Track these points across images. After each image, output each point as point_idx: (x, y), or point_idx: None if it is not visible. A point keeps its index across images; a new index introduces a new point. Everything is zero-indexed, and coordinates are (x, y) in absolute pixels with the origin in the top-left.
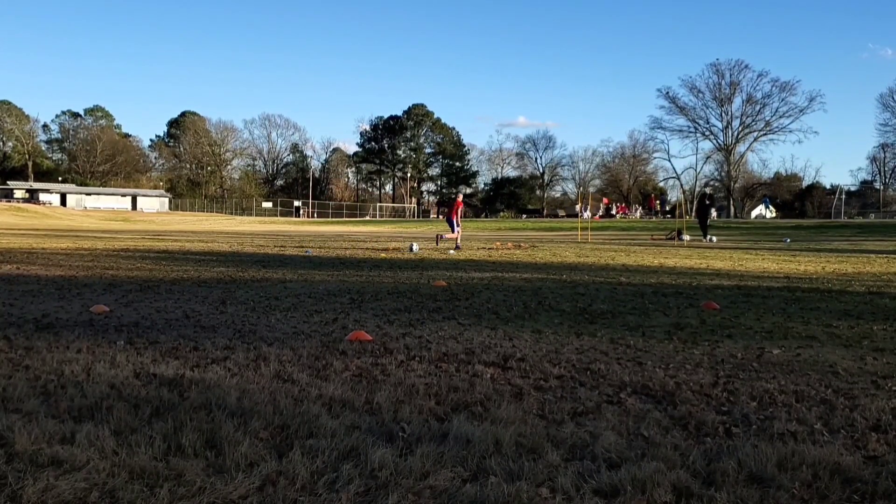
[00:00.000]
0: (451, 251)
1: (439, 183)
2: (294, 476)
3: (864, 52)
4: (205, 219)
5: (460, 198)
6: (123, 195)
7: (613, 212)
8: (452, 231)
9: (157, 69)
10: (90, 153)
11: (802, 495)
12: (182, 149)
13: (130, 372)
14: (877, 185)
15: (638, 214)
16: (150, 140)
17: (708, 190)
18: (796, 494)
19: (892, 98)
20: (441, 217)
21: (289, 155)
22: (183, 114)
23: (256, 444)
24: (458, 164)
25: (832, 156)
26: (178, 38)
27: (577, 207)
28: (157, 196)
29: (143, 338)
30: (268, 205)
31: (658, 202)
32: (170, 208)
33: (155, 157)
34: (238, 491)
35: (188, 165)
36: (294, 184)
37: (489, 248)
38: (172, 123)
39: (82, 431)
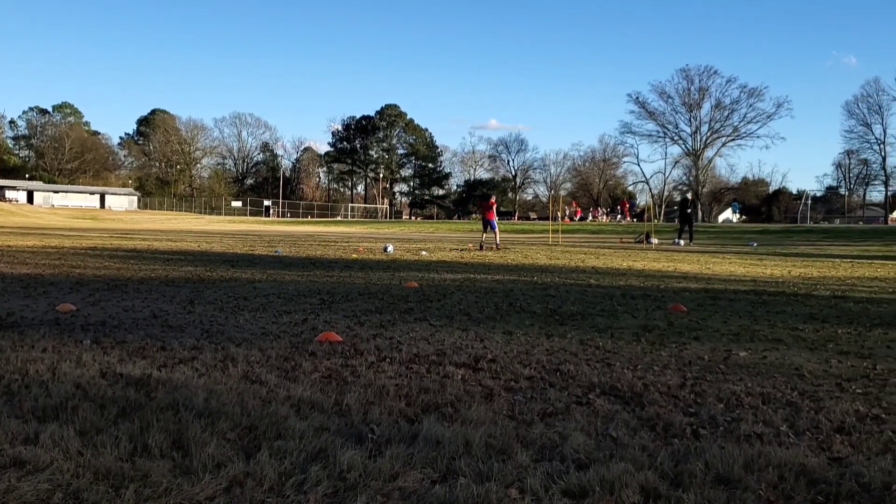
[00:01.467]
0: (489, 252)
1: (412, 184)
2: (261, 477)
3: (828, 59)
4: (174, 217)
5: (494, 198)
6: (92, 193)
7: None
8: (494, 230)
9: (127, 67)
10: (58, 150)
11: (768, 496)
12: (151, 147)
13: (97, 371)
14: (842, 190)
15: (605, 218)
16: (120, 138)
17: (689, 195)
18: (762, 496)
19: (857, 105)
20: (415, 219)
21: (259, 154)
22: (153, 112)
23: (224, 444)
24: (430, 165)
25: (799, 161)
26: (148, 36)
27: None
28: (125, 194)
29: (109, 337)
30: (237, 204)
31: (629, 206)
32: (139, 207)
33: (124, 155)
34: (205, 492)
35: (158, 164)
36: (264, 183)
37: (461, 250)
38: (142, 121)
39: (46, 432)
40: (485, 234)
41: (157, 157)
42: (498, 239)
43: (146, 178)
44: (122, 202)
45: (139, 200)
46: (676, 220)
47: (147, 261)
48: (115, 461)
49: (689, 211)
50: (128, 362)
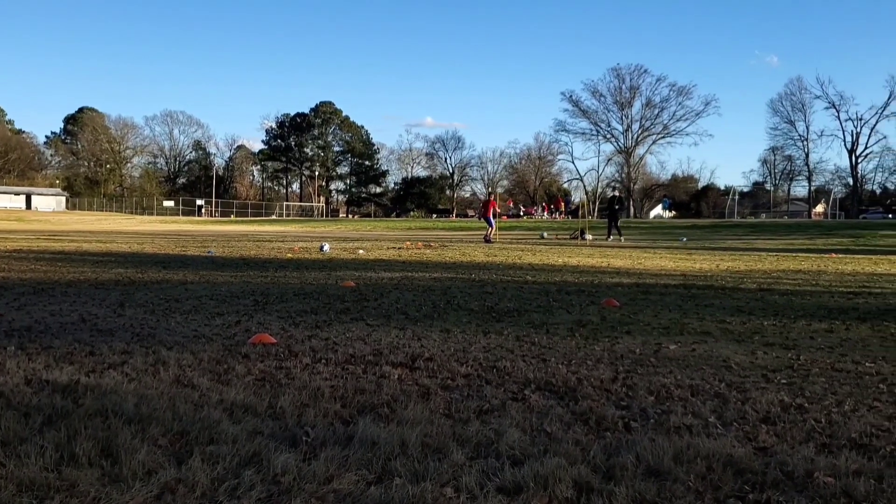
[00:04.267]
0: (485, 243)
1: (348, 182)
2: (194, 483)
3: (751, 59)
4: (104, 218)
5: (493, 197)
6: (17, 194)
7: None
8: (490, 226)
9: (52, 63)
10: None
11: (697, 487)
12: (80, 146)
13: (21, 379)
14: (767, 186)
15: (543, 215)
16: (46, 137)
17: (617, 193)
18: (691, 487)
19: (781, 103)
20: (352, 217)
21: (191, 152)
22: (80, 109)
23: (155, 451)
24: (367, 162)
25: (726, 158)
26: (74, 31)
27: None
28: (53, 195)
29: (35, 343)
30: (169, 203)
31: (564, 203)
32: (67, 207)
33: (51, 155)
34: (135, 500)
35: (86, 163)
36: (197, 182)
37: (399, 248)
38: (69, 119)
39: None
40: (490, 230)
41: (86, 157)
42: (490, 234)
43: (74, 178)
44: (49, 203)
45: (67, 201)
46: (605, 218)
47: (75, 263)
48: (39, 471)
49: (616, 208)
50: (54, 368)
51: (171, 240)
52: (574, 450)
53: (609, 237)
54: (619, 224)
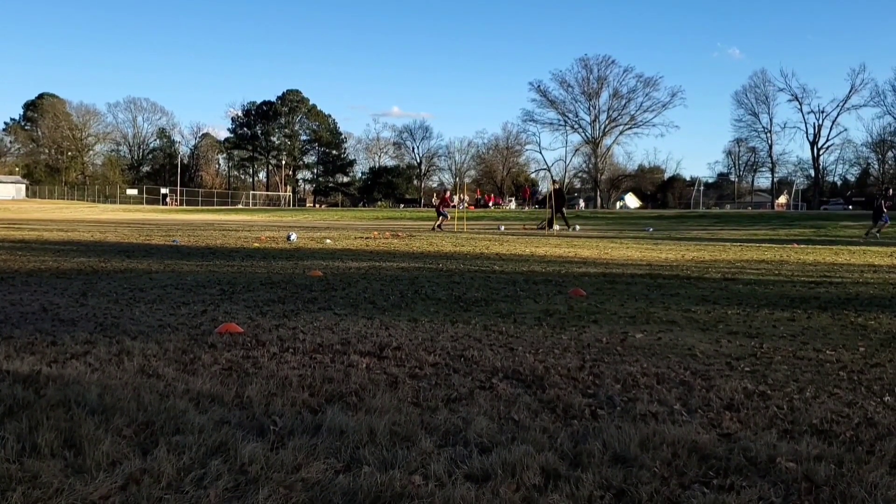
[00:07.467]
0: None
1: (315, 171)
2: (159, 474)
3: (714, 51)
4: (65, 206)
5: (448, 193)
6: None
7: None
8: (439, 217)
9: (10, 47)
10: None
11: (663, 473)
12: (40, 133)
13: None
14: (732, 177)
15: (512, 205)
16: (5, 123)
17: (556, 185)
18: (657, 473)
19: (746, 95)
20: (319, 206)
21: (155, 140)
22: (41, 96)
23: (119, 441)
24: (334, 152)
25: (692, 149)
26: (33, 14)
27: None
28: (12, 182)
29: None
30: (133, 192)
31: (530, 193)
32: (27, 195)
33: (10, 142)
34: (99, 491)
35: (47, 150)
36: (161, 170)
37: (366, 238)
38: (29, 105)
39: None
40: (440, 220)
41: (47, 144)
42: (441, 224)
43: (34, 166)
44: (8, 191)
45: (27, 189)
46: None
47: (36, 252)
48: (1, 463)
49: (563, 197)
50: (15, 359)
51: (135, 229)
52: (541, 437)
53: (553, 227)
54: (556, 215)
